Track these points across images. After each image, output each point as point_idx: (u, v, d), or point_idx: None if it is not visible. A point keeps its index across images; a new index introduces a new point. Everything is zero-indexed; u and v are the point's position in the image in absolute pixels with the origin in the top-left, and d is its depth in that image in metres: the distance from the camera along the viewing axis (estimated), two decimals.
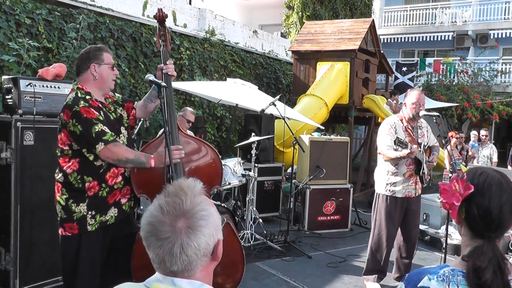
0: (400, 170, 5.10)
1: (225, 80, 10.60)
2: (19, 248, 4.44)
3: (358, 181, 11.19)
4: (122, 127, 3.40)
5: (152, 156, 3.23)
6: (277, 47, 15.61)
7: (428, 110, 5.91)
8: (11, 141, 4.37)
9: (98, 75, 3.29)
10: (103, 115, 3.20)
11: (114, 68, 3.41)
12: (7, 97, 4.56)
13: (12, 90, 4.48)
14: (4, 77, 4.73)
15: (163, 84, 3.30)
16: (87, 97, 3.19)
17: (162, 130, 3.31)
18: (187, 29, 11.59)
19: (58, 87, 4.70)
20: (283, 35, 17.73)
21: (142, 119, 3.92)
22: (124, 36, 9.47)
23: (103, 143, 3.06)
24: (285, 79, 14.58)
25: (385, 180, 5.18)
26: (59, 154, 3.25)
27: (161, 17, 3.58)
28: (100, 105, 3.26)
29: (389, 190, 5.15)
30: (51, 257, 4.65)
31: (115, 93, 3.56)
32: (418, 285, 1.65)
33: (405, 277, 1.74)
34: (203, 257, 1.41)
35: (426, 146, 5.16)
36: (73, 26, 8.13)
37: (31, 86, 4.45)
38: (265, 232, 6.74)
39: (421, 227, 7.92)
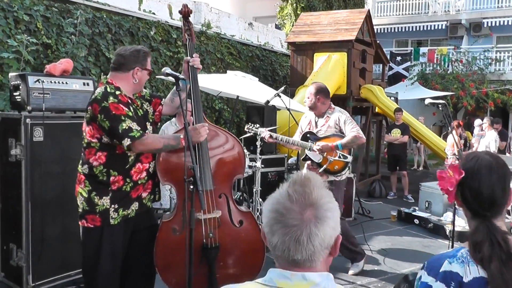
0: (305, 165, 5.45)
1: (223, 72, 10.60)
2: (31, 244, 4.46)
3: (357, 171, 11.25)
4: (147, 123, 3.43)
5: (181, 136, 3.25)
6: (273, 39, 15.58)
7: (434, 98, 5.97)
8: (20, 138, 4.38)
9: (138, 79, 3.33)
10: (132, 111, 3.21)
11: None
12: (15, 93, 4.56)
13: (20, 87, 4.48)
14: (11, 74, 4.73)
15: (181, 76, 3.34)
16: (117, 92, 3.20)
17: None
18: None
19: (66, 83, 4.71)
20: (277, 27, 17.70)
21: None
22: (122, 31, 9.44)
23: (129, 139, 3.07)
24: (281, 70, 14.58)
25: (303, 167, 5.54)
26: (84, 145, 3.25)
27: (185, 13, 3.66)
28: (129, 100, 3.28)
29: None
30: (63, 252, 4.69)
31: (142, 89, 3.57)
32: (441, 270, 1.68)
33: (425, 264, 1.78)
34: (325, 249, 1.41)
35: (323, 135, 5.24)
36: (71, 22, 8.10)
37: (39, 82, 4.45)
38: None
39: (424, 214, 8.01)
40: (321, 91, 5.26)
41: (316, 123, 5.33)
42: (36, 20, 7.62)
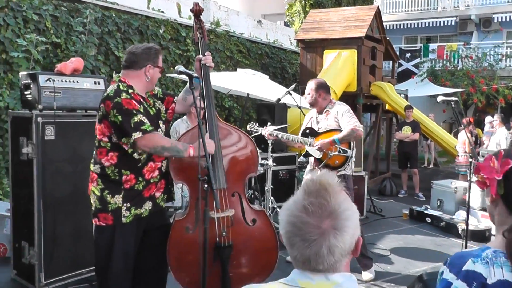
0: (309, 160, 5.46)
1: (233, 70, 10.58)
2: (43, 242, 4.46)
3: (367, 169, 11.17)
4: (160, 121, 3.40)
5: (191, 145, 3.23)
6: (282, 36, 15.55)
7: (446, 96, 5.90)
8: (32, 137, 4.38)
9: (150, 76, 3.31)
10: (143, 109, 3.20)
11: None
12: (25, 92, 4.55)
13: (31, 86, 4.47)
14: (22, 73, 4.72)
15: (194, 74, 3.32)
16: (130, 90, 3.18)
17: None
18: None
19: (77, 82, 4.69)
20: (286, 24, 17.66)
21: None
22: (131, 29, 9.47)
23: (140, 132, 3.05)
24: (291, 68, 14.55)
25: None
26: (96, 144, 3.24)
27: (197, 11, 3.64)
28: (141, 99, 3.26)
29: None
30: (75, 250, 4.69)
31: (155, 87, 3.55)
32: (463, 269, 1.64)
33: (447, 261, 1.73)
34: (347, 255, 1.39)
35: (324, 130, 5.18)
36: (80, 21, 8.11)
37: (50, 81, 4.44)
38: None
39: (436, 213, 7.94)
40: (322, 87, 5.22)
41: (316, 119, 5.29)
42: (45, 20, 7.64)
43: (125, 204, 3.19)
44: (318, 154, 5.10)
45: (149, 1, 10.75)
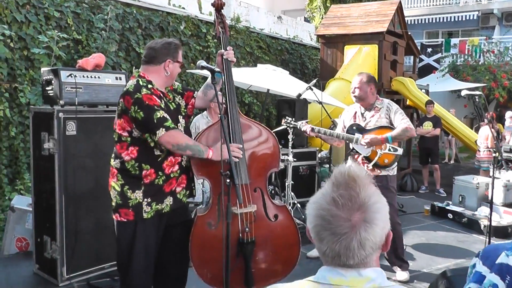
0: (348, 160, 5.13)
1: (253, 66, 10.55)
2: (65, 236, 4.50)
3: None
4: (180, 116, 3.38)
5: (211, 148, 3.23)
6: (302, 32, 15.47)
7: (470, 90, 5.81)
8: (53, 132, 4.41)
9: (170, 71, 3.29)
10: (164, 104, 3.18)
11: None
12: (47, 88, 4.58)
13: (53, 81, 4.50)
14: (43, 68, 4.75)
15: (216, 69, 3.30)
16: (149, 85, 3.17)
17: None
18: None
19: (99, 77, 4.72)
20: (306, 20, 17.57)
21: None
22: (152, 26, 9.48)
23: (164, 129, 3.04)
24: (310, 64, 14.47)
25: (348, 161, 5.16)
26: (116, 139, 3.23)
27: (218, 5, 3.61)
28: (161, 94, 3.25)
29: None
30: (96, 245, 4.73)
31: (174, 82, 3.54)
32: (497, 262, 1.60)
33: (480, 253, 1.70)
34: (378, 249, 1.35)
35: (371, 127, 4.93)
36: (101, 17, 8.14)
37: (71, 76, 4.47)
38: (303, 216, 6.71)
39: (457, 209, 7.85)
40: (373, 80, 5.01)
41: (362, 115, 5.04)
42: (66, 16, 7.68)
43: (145, 200, 3.18)
44: (366, 152, 4.88)
45: None
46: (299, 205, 6.83)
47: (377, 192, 1.39)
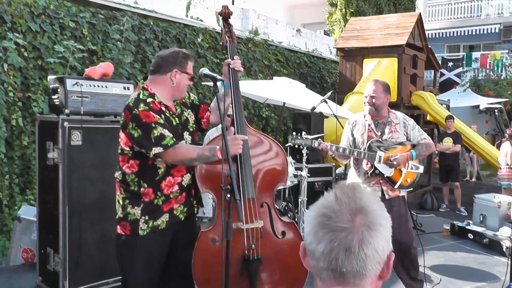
0: (360, 169, 4.62)
1: (271, 79, 10.44)
2: (68, 249, 4.40)
3: None
4: (186, 132, 3.26)
5: (218, 147, 3.08)
6: (321, 45, 15.36)
7: (490, 103, 5.59)
8: (58, 141, 4.33)
9: (176, 82, 3.17)
10: (164, 119, 3.06)
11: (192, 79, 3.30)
12: (53, 97, 4.50)
13: (59, 90, 4.42)
14: (50, 77, 4.68)
15: (219, 77, 3.19)
16: (149, 99, 3.05)
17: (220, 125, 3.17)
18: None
19: (106, 86, 4.62)
20: (326, 33, 17.46)
21: None
22: (168, 37, 9.43)
23: (161, 148, 2.94)
24: (330, 77, 14.33)
25: (351, 179, 4.73)
26: (119, 151, 3.15)
27: (226, 14, 3.52)
28: (163, 108, 3.13)
29: None
30: (101, 258, 4.61)
31: (190, 94, 3.43)
32: None
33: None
34: (377, 264, 1.20)
35: (396, 142, 4.53)
36: (117, 28, 8.11)
37: (77, 85, 4.38)
38: None
39: (478, 229, 7.60)
40: (389, 90, 4.60)
41: (376, 129, 4.58)
42: (82, 27, 7.65)
43: (143, 217, 3.08)
44: (389, 172, 4.46)
45: (188, 9, 10.73)
46: None
47: (382, 205, 1.27)
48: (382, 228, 1.21)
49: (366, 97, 4.55)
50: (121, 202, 3.12)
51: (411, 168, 4.47)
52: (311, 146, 4.59)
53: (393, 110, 4.72)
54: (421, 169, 4.54)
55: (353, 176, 4.69)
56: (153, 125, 2.96)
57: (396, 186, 4.45)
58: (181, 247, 3.29)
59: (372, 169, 4.48)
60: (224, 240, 3.03)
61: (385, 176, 4.46)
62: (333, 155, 4.59)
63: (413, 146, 4.57)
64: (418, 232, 7.83)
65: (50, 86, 4.54)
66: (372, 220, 1.20)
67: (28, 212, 5.39)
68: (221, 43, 3.61)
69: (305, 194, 6.63)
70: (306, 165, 6.72)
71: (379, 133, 4.56)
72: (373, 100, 4.49)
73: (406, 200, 4.67)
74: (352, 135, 4.68)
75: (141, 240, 3.08)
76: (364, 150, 4.47)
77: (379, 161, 4.40)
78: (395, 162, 4.35)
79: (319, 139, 4.66)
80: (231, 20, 3.58)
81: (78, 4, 7.86)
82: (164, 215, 3.15)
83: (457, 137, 10.22)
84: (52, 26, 7.23)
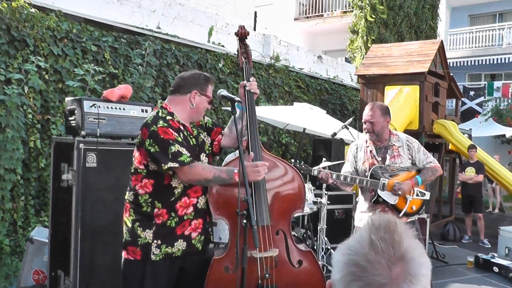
0: (366, 196, 4.45)
1: (291, 105, 10.38)
2: (79, 272, 4.30)
3: (430, 212, 10.61)
4: (202, 154, 3.21)
5: (236, 171, 2.98)
6: (342, 72, 15.30)
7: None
8: (73, 163, 4.27)
9: (196, 104, 3.13)
10: (182, 138, 3.01)
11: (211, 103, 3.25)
12: (70, 118, 4.47)
13: (76, 111, 4.39)
14: (68, 98, 4.67)
15: (237, 98, 3.14)
16: (168, 117, 3.02)
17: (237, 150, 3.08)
18: (252, 55, 11.30)
19: (123, 109, 4.58)
20: (347, 60, 17.41)
21: None
22: (190, 62, 9.44)
23: (177, 164, 2.87)
24: (350, 105, 14.22)
25: (358, 208, 4.58)
26: (132, 171, 3.09)
27: (242, 34, 3.49)
28: (181, 127, 3.08)
29: (359, 220, 4.47)
30: (113, 283, 4.47)
31: (205, 117, 3.38)
32: None
33: None
34: None
35: (399, 167, 4.33)
36: (139, 53, 8.13)
37: (95, 107, 4.34)
38: None
39: (504, 262, 7.37)
40: (388, 112, 4.37)
41: (378, 154, 4.37)
42: (103, 51, 7.68)
43: (155, 241, 2.98)
44: (393, 200, 4.27)
45: (209, 35, 10.76)
46: (332, 251, 6.50)
47: (421, 245, 1.13)
48: (422, 278, 1.07)
49: (364, 123, 4.37)
50: (129, 225, 3.03)
51: (417, 195, 4.29)
52: (313, 174, 4.36)
53: (395, 132, 4.55)
54: (427, 195, 4.36)
55: (361, 204, 4.54)
56: (171, 141, 2.90)
57: (401, 215, 4.25)
58: (192, 276, 3.18)
59: (375, 197, 4.32)
60: (239, 268, 2.93)
61: (389, 204, 4.30)
62: (334, 183, 4.43)
63: (418, 171, 4.38)
64: (440, 263, 7.65)
65: (67, 108, 4.51)
66: (413, 272, 1.06)
67: (41, 233, 5.33)
68: (237, 63, 3.55)
69: (325, 221, 6.51)
70: (326, 192, 6.60)
71: (380, 159, 4.37)
72: (372, 126, 4.30)
73: (416, 225, 4.44)
74: (354, 162, 4.52)
75: (151, 265, 2.98)
76: (367, 177, 4.32)
77: (383, 188, 4.23)
78: (399, 192, 4.19)
79: (319, 167, 4.47)
80: (251, 44, 3.52)
81: (101, 28, 7.91)
82: (180, 241, 3.05)
83: (479, 167, 10.03)
84: (74, 50, 7.26)
